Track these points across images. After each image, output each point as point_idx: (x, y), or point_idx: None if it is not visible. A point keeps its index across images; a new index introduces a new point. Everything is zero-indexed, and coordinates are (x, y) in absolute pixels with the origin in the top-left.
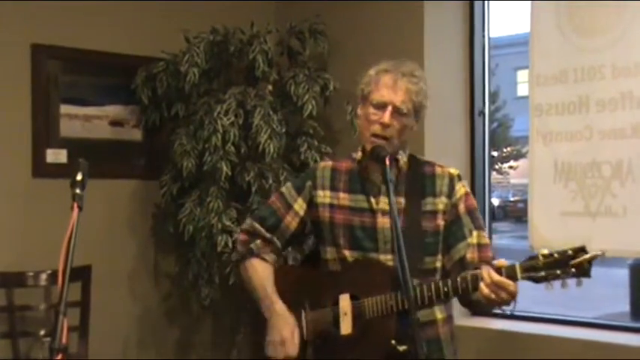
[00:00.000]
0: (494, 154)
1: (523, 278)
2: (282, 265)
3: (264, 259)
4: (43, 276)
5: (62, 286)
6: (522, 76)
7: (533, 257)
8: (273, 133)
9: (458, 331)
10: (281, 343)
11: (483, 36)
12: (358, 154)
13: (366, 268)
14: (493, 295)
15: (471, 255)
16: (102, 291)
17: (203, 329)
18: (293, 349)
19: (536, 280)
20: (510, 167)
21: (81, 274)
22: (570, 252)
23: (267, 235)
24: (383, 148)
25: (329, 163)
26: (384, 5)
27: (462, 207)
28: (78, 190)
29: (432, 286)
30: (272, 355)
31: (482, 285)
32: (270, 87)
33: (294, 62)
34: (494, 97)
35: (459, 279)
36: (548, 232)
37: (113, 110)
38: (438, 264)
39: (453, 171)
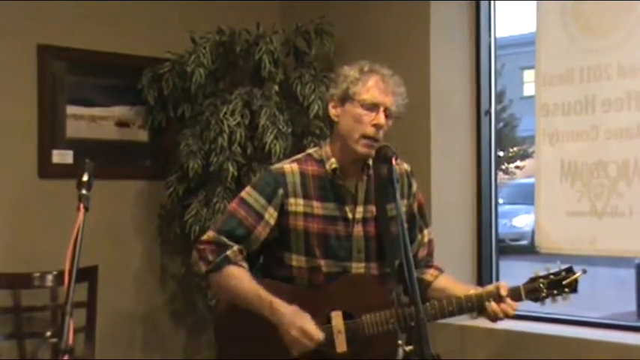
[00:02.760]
0: (501, 153)
1: (527, 298)
2: (262, 280)
3: (242, 266)
4: (49, 277)
5: (68, 287)
6: (529, 75)
7: (534, 279)
8: (280, 134)
9: (465, 332)
10: (304, 335)
11: (490, 35)
12: (331, 162)
13: (356, 284)
14: (502, 317)
15: (422, 253)
16: (108, 292)
17: (209, 329)
18: (318, 334)
19: (537, 300)
20: (517, 167)
21: (87, 275)
22: (563, 273)
23: (236, 245)
24: (389, 148)
25: (294, 166)
26: (390, 5)
27: (415, 206)
28: (84, 191)
29: (436, 304)
30: (302, 349)
31: (499, 306)
32: (276, 87)
33: (300, 62)
34: (500, 96)
35: (464, 298)
36: (555, 232)
37: (119, 111)
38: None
39: (407, 167)
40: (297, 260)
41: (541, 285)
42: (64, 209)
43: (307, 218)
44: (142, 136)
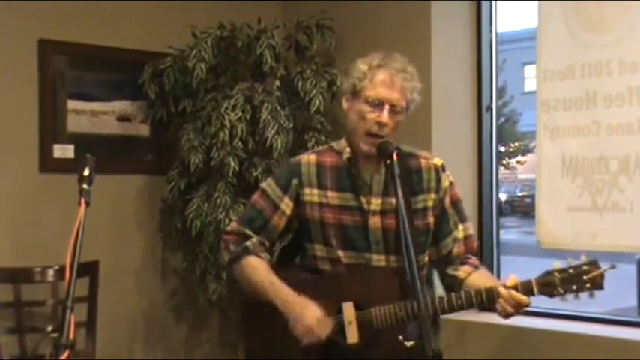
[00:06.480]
0: (502, 149)
1: (539, 293)
2: (279, 270)
3: (260, 257)
4: (51, 271)
5: (69, 282)
6: (530, 71)
7: (549, 272)
8: (281, 129)
9: (466, 327)
10: (308, 332)
11: (491, 31)
12: (346, 151)
13: (369, 275)
14: (512, 310)
15: (457, 249)
16: (109, 286)
17: (210, 325)
18: (322, 330)
19: (552, 295)
20: (518, 162)
21: (88, 270)
22: (585, 267)
23: (256, 237)
24: (390, 143)
25: (312, 157)
26: (392, 0)
27: (447, 200)
28: (85, 186)
29: (445, 299)
30: (306, 342)
31: (501, 301)
32: (277, 82)
33: (302, 57)
34: (501, 92)
35: (473, 292)
36: (556, 228)
37: (120, 106)
38: (426, 259)
39: (437, 162)
40: (319, 250)
41: (556, 279)
42: (65, 204)
43: (322, 208)
44: (143, 130)
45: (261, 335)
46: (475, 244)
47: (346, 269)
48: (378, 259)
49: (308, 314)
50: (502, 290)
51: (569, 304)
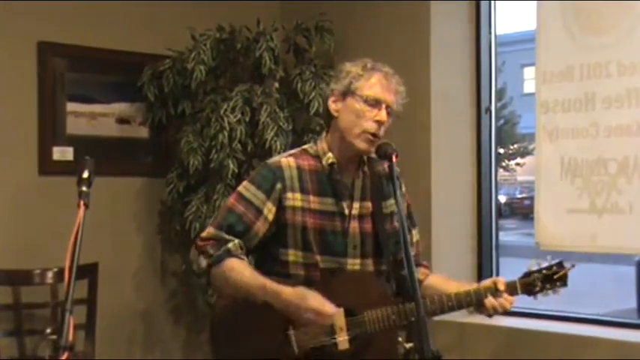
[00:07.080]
0: (501, 151)
1: (522, 293)
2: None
3: (243, 259)
4: (50, 274)
5: (69, 284)
6: (529, 73)
7: (528, 274)
8: (280, 131)
9: (465, 329)
10: (317, 315)
11: (490, 33)
12: (328, 156)
13: (356, 281)
14: (501, 310)
15: (412, 252)
16: (108, 289)
17: (208, 327)
18: (329, 309)
19: (531, 294)
20: (517, 164)
21: (87, 272)
22: (554, 267)
23: (236, 239)
24: (390, 145)
25: (291, 160)
26: (391, 2)
27: (405, 205)
28: (84, 188)
29: (436, 299)
30: (320, 328)
31: (492, 301)
32: (276, 84)
33: (301, 59)
34: (500, 94)
35: (463, 294)
36: (555, 229)
37: (119, 108)
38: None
39: (396, 168)
40: (294, 255)
41: (536, 279)
42: (64, 206)
43: (305, 213)
44: (143, 133)
45: (234, 353)
46: (421, 248)
47: (322, 274)
48: (353, 263)
49: (307, 303)
50: (494, 291)
51: (568, 304)
